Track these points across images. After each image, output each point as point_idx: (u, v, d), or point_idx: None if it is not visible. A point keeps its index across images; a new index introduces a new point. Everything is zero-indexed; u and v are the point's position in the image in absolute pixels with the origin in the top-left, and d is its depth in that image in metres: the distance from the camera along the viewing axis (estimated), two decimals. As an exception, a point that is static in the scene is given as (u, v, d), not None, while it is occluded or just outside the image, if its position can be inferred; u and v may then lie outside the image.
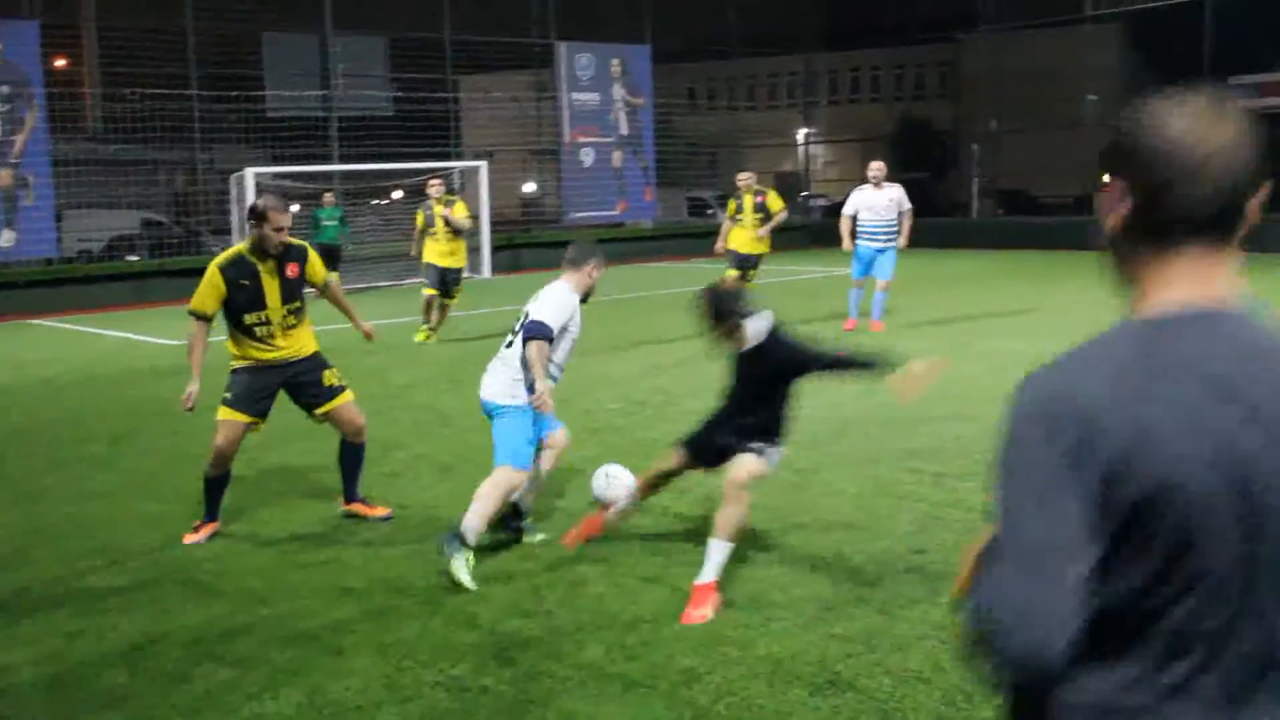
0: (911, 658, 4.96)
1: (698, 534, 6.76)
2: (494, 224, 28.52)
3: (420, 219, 15.70)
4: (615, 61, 33.55)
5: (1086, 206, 36.66)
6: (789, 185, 45.34)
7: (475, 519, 6.27)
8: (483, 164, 28.32)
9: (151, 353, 16.62)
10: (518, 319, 6.71)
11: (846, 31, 42.26)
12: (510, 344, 6.68)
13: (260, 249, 7.15)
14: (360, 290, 25.40)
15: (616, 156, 33.27)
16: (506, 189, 35.45)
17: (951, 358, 11.81)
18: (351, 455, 7.54)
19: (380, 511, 7.51)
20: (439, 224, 15.21)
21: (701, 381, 11.97)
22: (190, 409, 7.20)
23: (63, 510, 7.97)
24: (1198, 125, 1.71)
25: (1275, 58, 39.52)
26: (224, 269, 7.17)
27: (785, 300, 19.63)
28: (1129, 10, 33.66)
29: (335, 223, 24.96)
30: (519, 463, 6.50)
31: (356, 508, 7.53)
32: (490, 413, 6.70)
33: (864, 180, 15.66)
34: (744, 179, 15.80)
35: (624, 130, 33.62)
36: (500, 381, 6.63)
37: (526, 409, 6.48)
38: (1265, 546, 1.66)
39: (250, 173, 25.56)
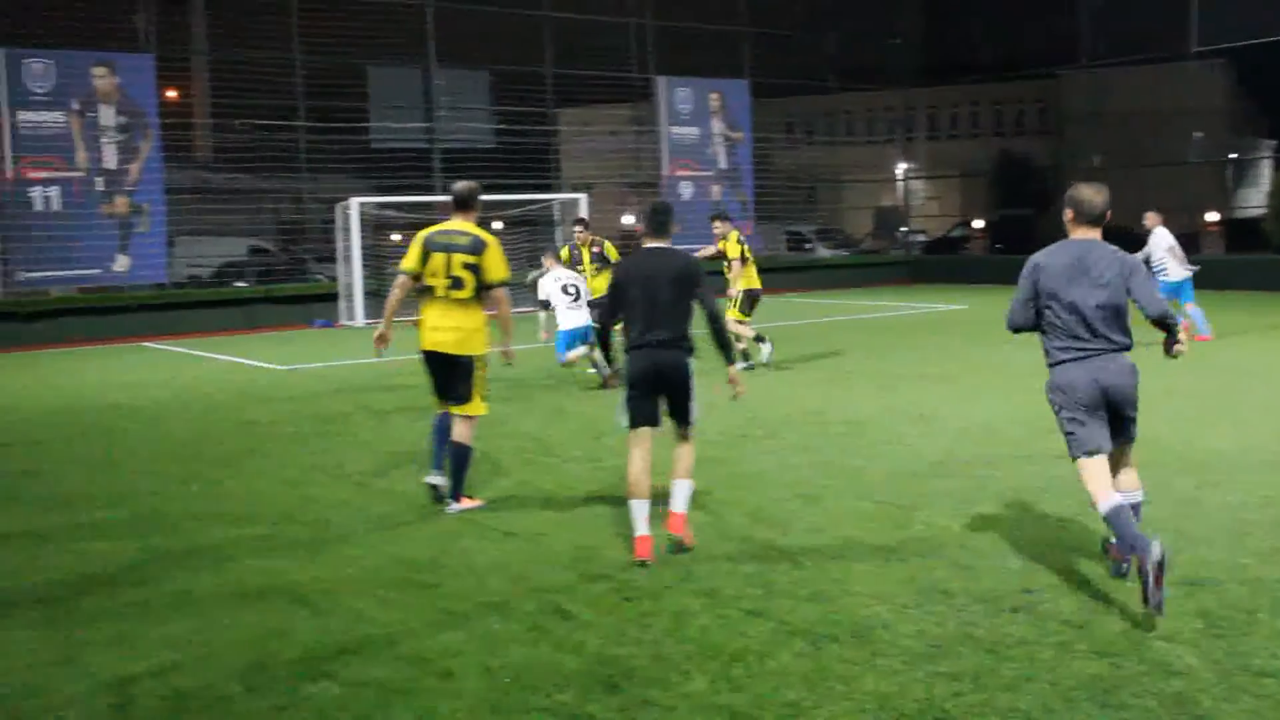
0: (1021, 698, 4.91)
1: (800, 567, 6.77)
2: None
3: (566, 255, 15.74)
4: (714, 95, 33.72)
5: (1192, 245, 35.95)
6: (889, 220, 45.20)
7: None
8: (583, 196, 28.56)
9: (259, 377, 17.00)
10: None
11: (945, 67, 42.05)
12: None
13: None
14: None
15: (715, 190, 33.39)
16: (606, 221, 35.72)
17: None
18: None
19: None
20: (585, 261, 15.48)
21: (795, 412, 11.97)
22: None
23: (179, 530, 8.18)
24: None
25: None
26: None
27: (908, 336, 19.59)
28: (1236, 46, 33.03)
29: None
30: None
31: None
32: None
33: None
34: (721, 227, 15.82)
35: (723, 164, 33.75)
36: None
37: None
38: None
39: (355, 202, 26.04)
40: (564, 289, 14.37)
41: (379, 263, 27.52)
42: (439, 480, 8.50)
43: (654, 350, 7.09)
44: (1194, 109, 38.49)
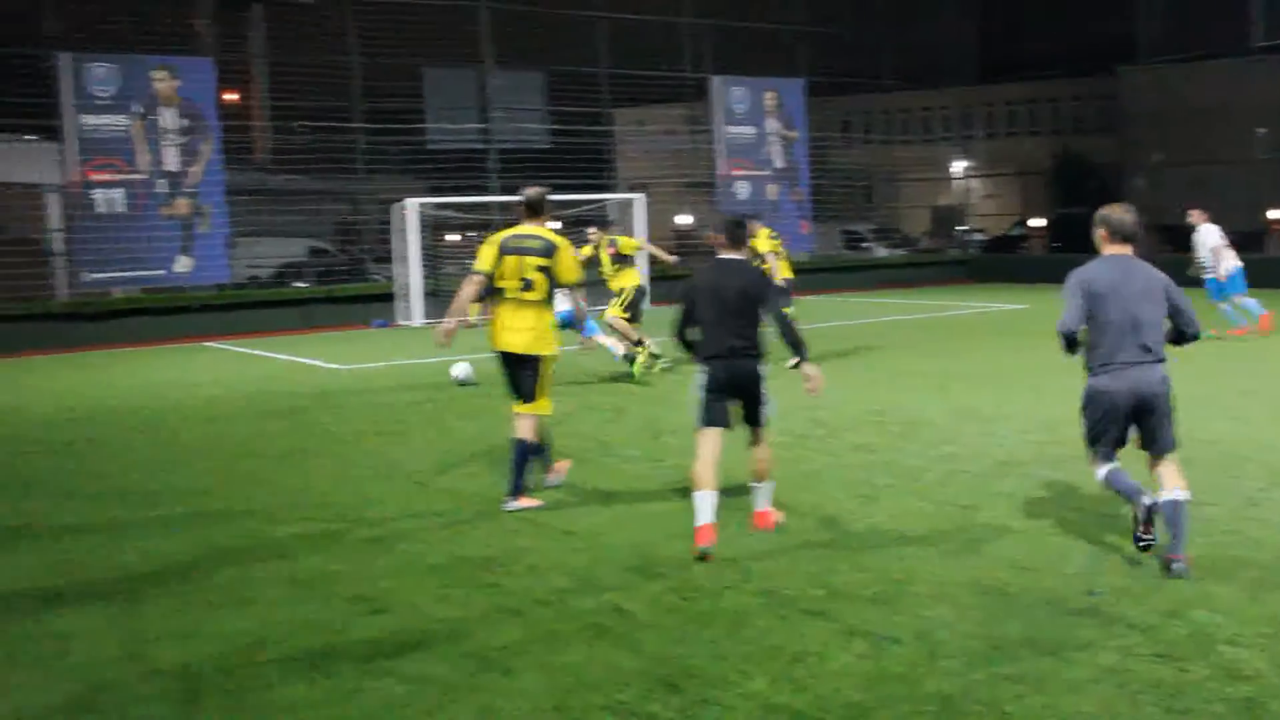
0: (1085, 701, 4.86)
1: (860, 568, 6.73)
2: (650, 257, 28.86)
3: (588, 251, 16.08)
4: (769, 95, 33.59)
5: (1255, 244, 35.32)
6: (947, 219, 44.87)
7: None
8: (640, 196, 28.56)
9: (317, 376, 17.13)
10: None
11: (1002, 65, 41.68)
12: None
13: None
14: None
15: (771, 190, 33.26)
16: (661, 221, 35.69)
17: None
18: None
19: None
20: (605, 262, 15.78)
21: (855, 412, 11.91)
22: None
23: (240, 527, 8.27)
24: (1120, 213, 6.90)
25: None
26: None
27: (968, 338, 19.45)
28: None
29: None
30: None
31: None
32: None
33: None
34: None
35: (778, 163, 33.60)
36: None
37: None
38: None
39: (412, 203, 26.15)
40: None
41: (436, 263, 27.67)
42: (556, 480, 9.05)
43: (729, 360, 7.43)
44: (1257, 105, 37.81)
